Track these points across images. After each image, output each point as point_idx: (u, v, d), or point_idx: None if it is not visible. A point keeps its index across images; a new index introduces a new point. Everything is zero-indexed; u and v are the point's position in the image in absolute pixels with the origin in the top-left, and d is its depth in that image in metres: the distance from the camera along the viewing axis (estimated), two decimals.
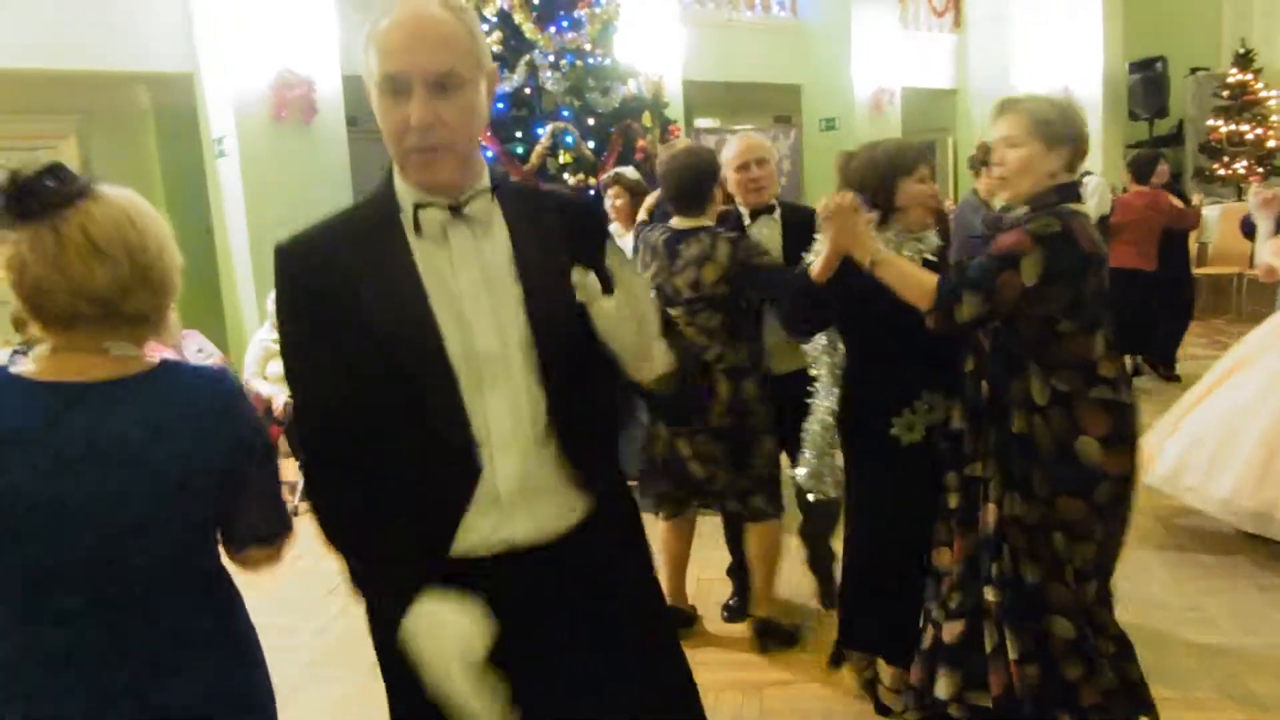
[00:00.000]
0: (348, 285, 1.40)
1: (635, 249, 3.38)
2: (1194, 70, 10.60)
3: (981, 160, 5.84)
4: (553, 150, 6.11)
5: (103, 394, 1.36)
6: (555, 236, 1.49)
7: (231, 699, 1.48)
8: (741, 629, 3.58)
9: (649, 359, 1.48)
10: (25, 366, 1.38)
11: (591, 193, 6.06)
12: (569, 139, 6.09)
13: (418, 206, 1.42)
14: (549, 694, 1.47)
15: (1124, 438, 2.31)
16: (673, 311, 3.10)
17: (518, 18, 6.18)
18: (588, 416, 1.51)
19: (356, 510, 1.45)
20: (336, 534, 1.47)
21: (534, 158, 6.10)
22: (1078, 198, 2.39)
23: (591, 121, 6.28)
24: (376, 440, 1.44)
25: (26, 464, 1.31)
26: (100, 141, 7.27)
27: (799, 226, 3.14)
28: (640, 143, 6.40)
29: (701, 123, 11.48)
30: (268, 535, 1.53)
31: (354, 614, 3.84)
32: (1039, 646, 2.35)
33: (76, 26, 5.92)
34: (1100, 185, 6.54)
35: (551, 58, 6.20)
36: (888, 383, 2.60)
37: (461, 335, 1.41)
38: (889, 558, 2.66)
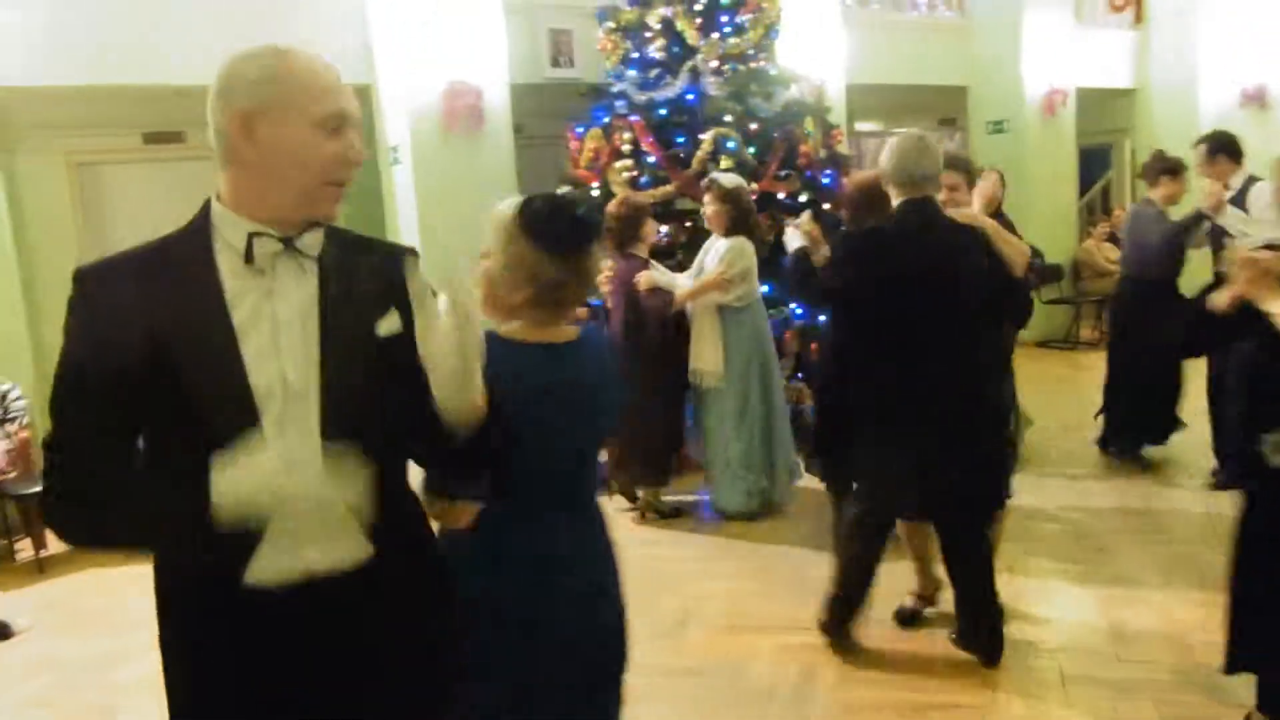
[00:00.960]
0: (147, 314, 1.38)
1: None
2: None
3: (1163, 169, 5.47)
4: (714, 156, 6.11)
5: (573, 350, 1.90)
6: (367, 277, 1.51)
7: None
8: (903, 644, 3.49)
9: (465, 395, 1.44)
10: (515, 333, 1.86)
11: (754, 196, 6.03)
12: (730, 144, 6.07)
13: (252, 235, 1.43)
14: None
15: None
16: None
17: (680, 25, 6.22)
18: (377, 451, 1.47)
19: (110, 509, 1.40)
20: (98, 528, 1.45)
21: (695, 163, 6.11)
22: None
23: (754, 127, 6.25)
24: (146, 470, 1.43)
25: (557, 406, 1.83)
26: None
27: None
28: (803, 148, 6.33)
29: (863, 126, 11.26)
30: None
31: None
32: None
33: (263, 42, 6.28)
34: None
35: (714, 63, 6.20)
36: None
37: (277, 365, 1.41)
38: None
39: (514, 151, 7.05)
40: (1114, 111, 11.18)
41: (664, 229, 6.30)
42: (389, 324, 1.49)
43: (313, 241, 1.48)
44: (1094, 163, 11.72)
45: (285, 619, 1.43)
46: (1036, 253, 4.51)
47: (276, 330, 1.42)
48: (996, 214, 4.29)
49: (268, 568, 1.41)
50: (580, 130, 6.59)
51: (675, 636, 3.70)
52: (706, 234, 6.50)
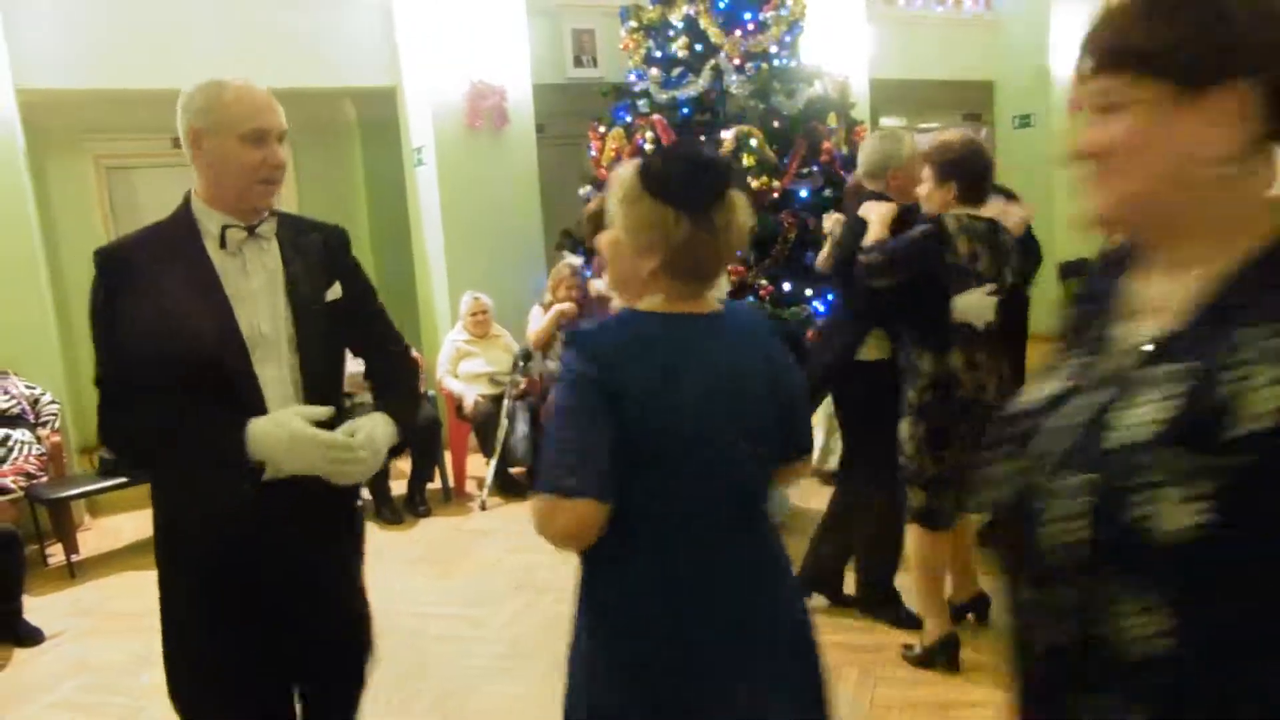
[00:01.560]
0: (157, 283, 1.87)
1: (933, 238, 3.14)
2: None
3: None
4: (736, 153, 6.09)
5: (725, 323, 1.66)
6: (314, 252, 2.04)
7: None
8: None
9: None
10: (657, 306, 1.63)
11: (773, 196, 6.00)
12: (753, 142, 6.06)
13: (225, 227, 1.93)
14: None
15: None
16: (993, 302, 3.12)
17: (703, 23, 6.20)
18: (333, 385, 2.07)
19: (163, 425, 1.88)
20: (147, 445, 1.95)
21: None
22: None
23: (776, 124, 6.23)
24: (174, 399, 1.86)
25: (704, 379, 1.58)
26: (311, 153, 7.78)
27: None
28: (825, 145, 6.30)
29: (887, 122, 11.19)
30: None
31: (540, 608, 3.96)
32: None
33: (287, 45, 6.34)
34: None
35: (736, 61, 6.18)
36: None
37: (250, 320, 1.93)
38: None
39: (537, 151, 7.07)
40: None
41: None
42: (333, 292, 2.05)
43: (268, 228, 1.98)
44: None
45: (258, 515, 1.88)
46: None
47: (253, 296, 1.95)
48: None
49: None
50: (603, 129, 6.60)
51: None
52: None
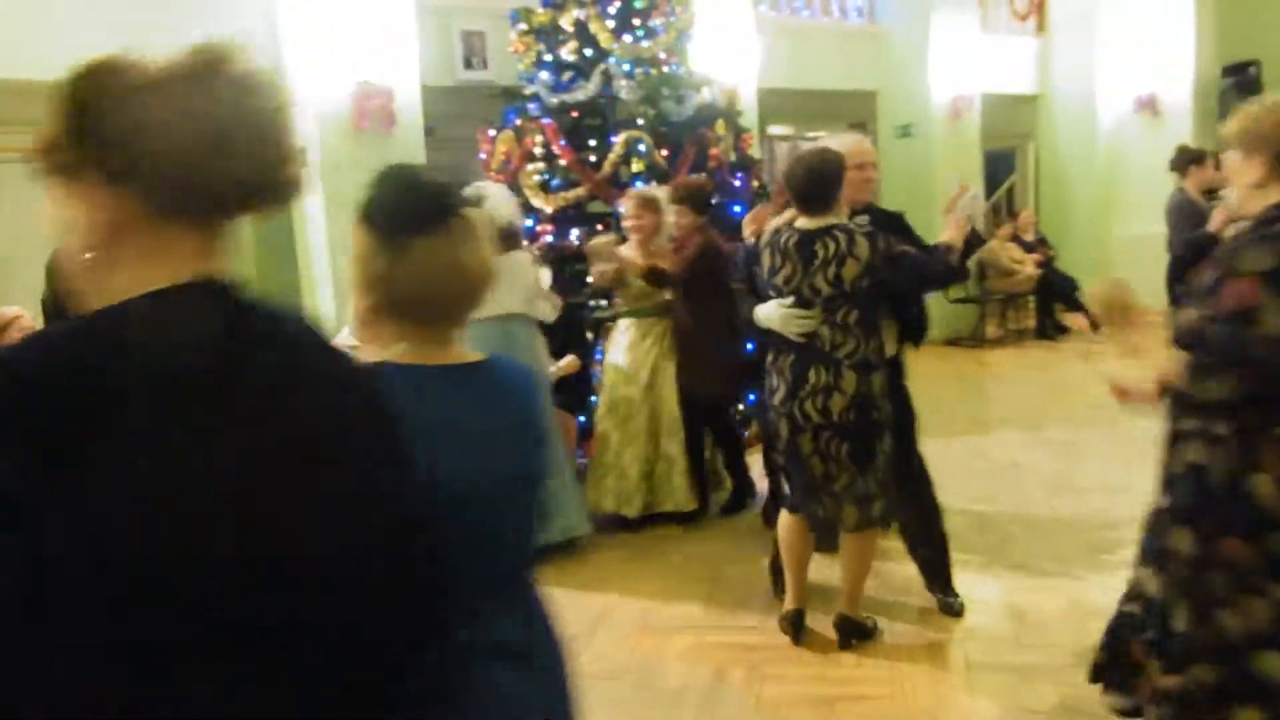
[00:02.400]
0: None
1: (751, 257, 3.52)
2: None
3: (1189, 160, 6.00)
4: (626, 159, 6.12)
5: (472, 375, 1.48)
6: None
7: None
8: (810, 640, 3.53)
9: None
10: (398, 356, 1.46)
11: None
12: (642, 147, 6.09)
13: None
14: None
15: None
16: (808, 313, 3.21)
17: (593, 27, 6.22)
18: None
19: None
20: None
21: (607, 166, 6.12)
22: None
23: (665, 130, 6.28)
24: None
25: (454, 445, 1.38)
26: None
27: (887, 229, 3.37)
28: (713, 151, 6.38)
29: (775, 130, 11.41)
30: None
31: None
32: None
33: (165, 42, 6.10)
34: None
35: (626, 66, 6.22)
36: None
37: None
38: None
39: (426, 154, 6.97)
40: (1018, 117, 11.53)
41: (575, 232, 6.30)
42: None
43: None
44: (999, 166, 12.06)
45: None
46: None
47: None
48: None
49: None
50: (493, 133, 6.55)
51: (586, 640, 3.69)
52: (621, 240, 6.51)
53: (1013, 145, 12.07)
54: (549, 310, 4.74)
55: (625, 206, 5.01)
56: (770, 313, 3.28)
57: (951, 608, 3.67)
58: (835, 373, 3.19)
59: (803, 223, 3.26)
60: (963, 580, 3.84)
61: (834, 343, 3.20)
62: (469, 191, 1.48)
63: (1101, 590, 3.47)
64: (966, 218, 3.38)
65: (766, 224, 3.65)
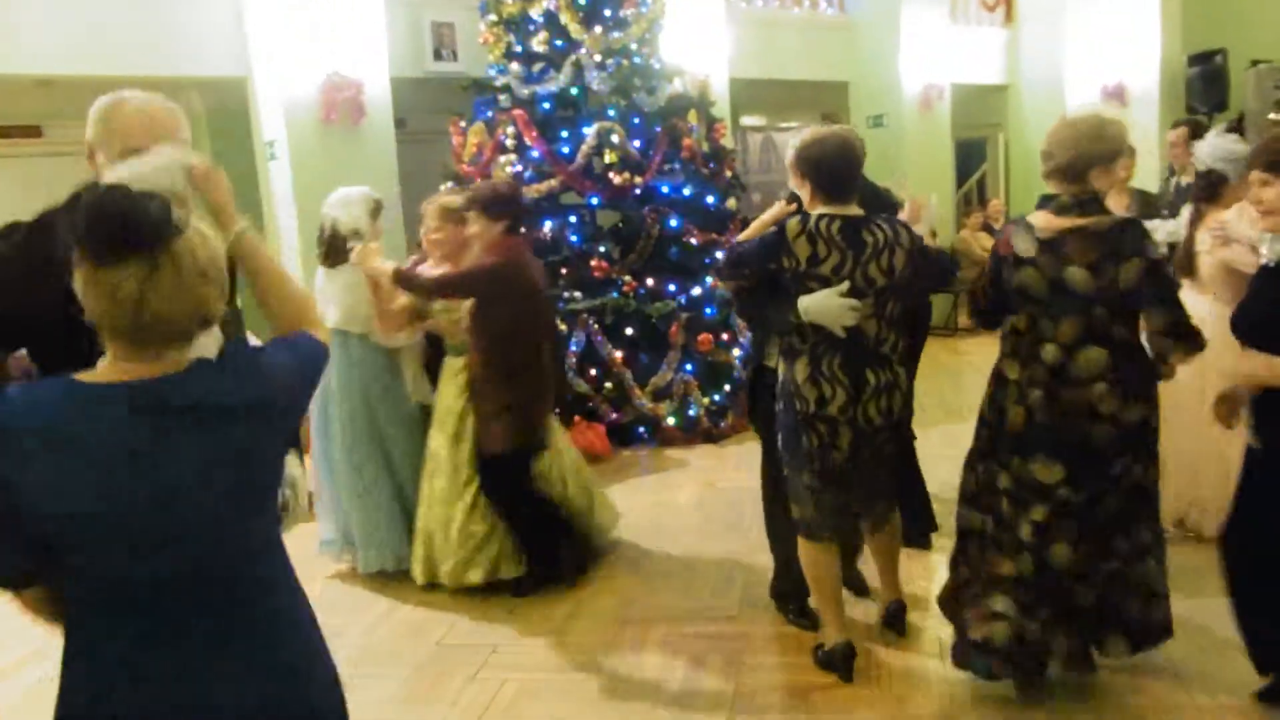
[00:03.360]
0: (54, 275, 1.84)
1: (768, 252, 3.01)
2: (1255, 63, 10.30)
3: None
4: (598, 149, 6.11)
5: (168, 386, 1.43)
6: None
7: None
8: (786, 630, 3.54)
9: None
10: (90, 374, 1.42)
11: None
12: (614, 138, 6.08)
13: None
14: None
15: None
16: (860, 303, 2.90)
17: (564, 18, 6.19)
18: None
19: None
20: None
21: (580, 157, 6.10)
22: None
23: (637, 121, 6.27)
24: None
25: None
26: None
27: (879, 209, 3.20)
28: (686, 141, 6.38)
29: (747, 120, 11.41)
30: None
31: (400, 615, 3.87)
32: None
33: (130, 33, 6.03)
34: None
35: (598, 57, 6.19)
36: None
37: None
38: None
39: (396, 146, 6.92)
40: (987, 106, 11.59)
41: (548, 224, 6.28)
42: None
43: None
44: (970, 156, 12.13)
45: None
46: None
47: None
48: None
49: None
50: (464, 125, 6.52)
51: (564, 631, 3.69)
52: (595, 231, 6.51)
53: (983, 135, 12.14)
54: (382, 335, 4.13)
55: (424, 218, 4.17)
56: (823, 304, 2.90)
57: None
58: (890, 370, 3.00)
59: (835, 210, 2.96)
60: (938, 564, 3.86)
61: (880, 337, 2.98)
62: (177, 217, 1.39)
63: None
64: (930, 226, 3.32)
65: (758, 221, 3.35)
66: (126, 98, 2.02)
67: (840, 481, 3.10)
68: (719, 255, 3.28)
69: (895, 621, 3.45)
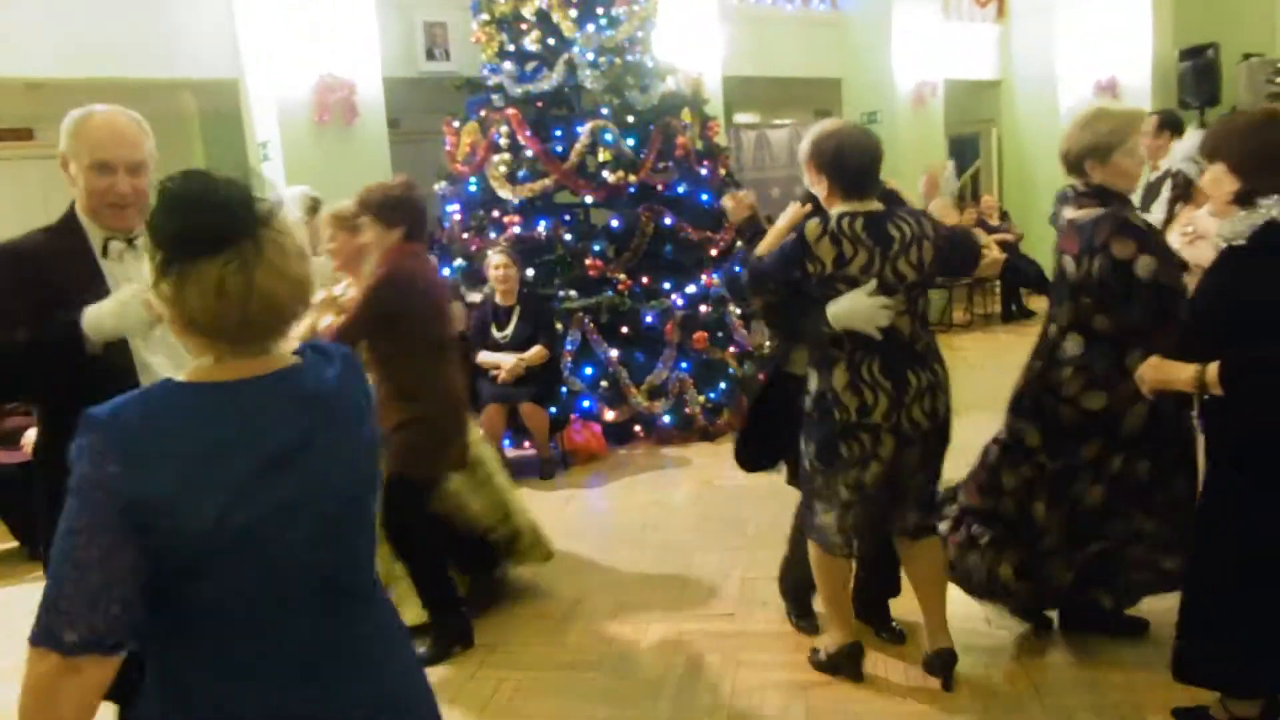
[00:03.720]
0: (48, 279, 2.13)
1: (790, 260, 2.84)
2: (1247, 56, 10.34)
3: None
4: (592, 148, 6.10)
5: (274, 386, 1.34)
6: None
7: None
8: (783, 628, 3.55)
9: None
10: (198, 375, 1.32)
11: (632, 190, 6.05)
12: (608, 137, 6.08)
13: (107, 239, 2.20)
14: None
15: None
16: (891, 300, 2.77)
17: (556, 16, 6.19)
18: None
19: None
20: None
21: (573, 155, 6.10)
22: None
23: (631, 119, 6.27)
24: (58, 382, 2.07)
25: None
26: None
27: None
28: (680, 140, 6.38)
29: (741, 118, 11.41)
30: None
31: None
32: None
33: (122, 35, 6.01)
34: None
35: (590, 55, 6.19)
36: None
37: None
38: None
39: (389, 147, 6.91)
40: (980, 102, 11.62)
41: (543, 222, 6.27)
42: None
43: (143, 238, 1.96)
44: (963, 151, 12.15)
45: None
46: None
47: None
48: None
49: None
50: (457, 124, 6.51)
51: (561, 631, 3.69)
52: (589, 229, 6.51)
53: (976, 130, 12.16)
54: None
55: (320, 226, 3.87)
56: (852, 307, 2.76)
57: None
58: (930, 370, 2.87)
59: (855, 207, 2.82)
60: None
61: (914, 336, 2.86)
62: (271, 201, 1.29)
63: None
64: (950, 196, 3.25)
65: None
66: (95, 111, 2.20)
67: (875, 494, 2.92)
68: (738, 271, 2.82)
69: (941, 672, 3.05)
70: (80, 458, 1.20)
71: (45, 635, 1.15)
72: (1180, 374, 2.39)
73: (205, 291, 1.23)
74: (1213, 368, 2.29)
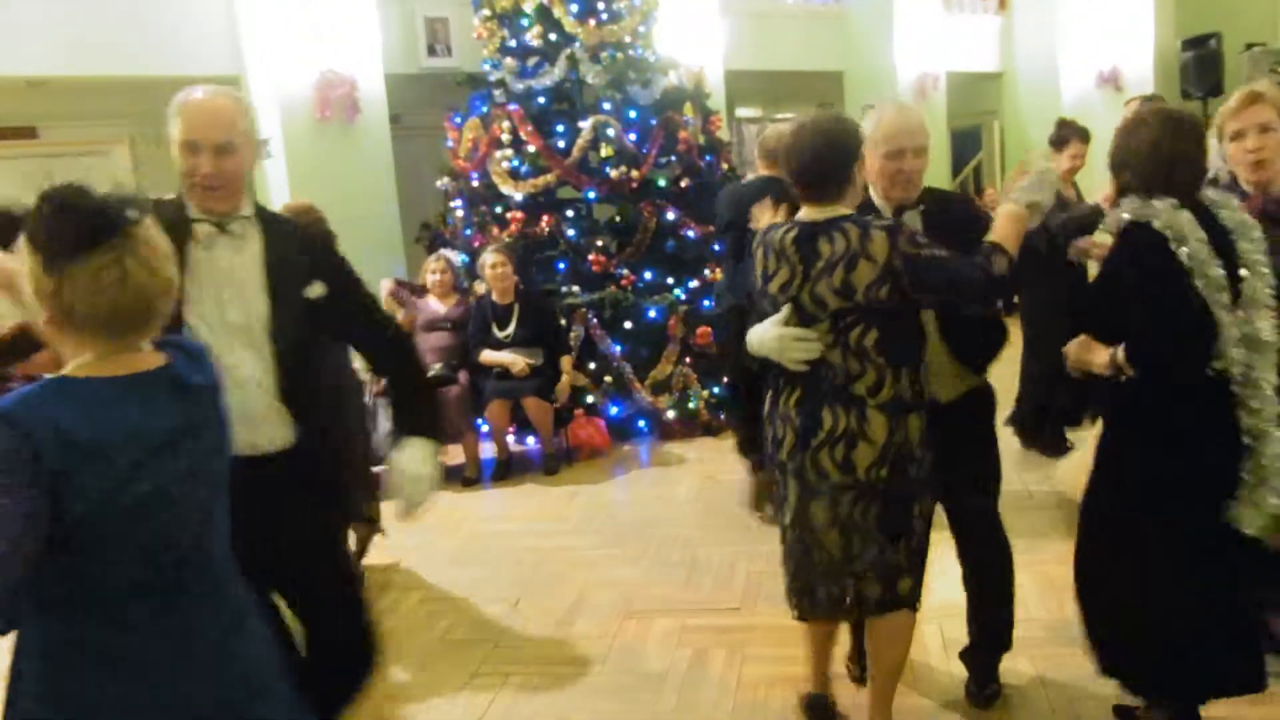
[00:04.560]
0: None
1: (739, 258, 2.62)
2: (1249, 46, 10.31)
3: (1061, 138, 5.37)
4: (594, 143, 6.10)
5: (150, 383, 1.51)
6: (295, 251, 2.25)
7: None
8: (787, 621, 3.55)
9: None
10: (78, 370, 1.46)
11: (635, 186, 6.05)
12: (610, 132, 6.07)
13: (193, 221, 2.15)
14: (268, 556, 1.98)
15: None
16: (814, 331, 2.42)
17: (557, 12, 6.18)
18: (309, 373, 2.25)
19: None
20: None
21: (575, 151, 6.10)
22: None
23: (633, 114, 6.26)
24: None
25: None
26: (150, 146, 7.39)
27: (946, 222, 2.58)
28: (682, 134, 6.37)
29: (743, 112, 11.40)
30: None
31: (403, 610, 3.85)
32: None
33: (125, 34, 6.02)
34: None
35: (591, 51, 6.19)
36: None
37: (218, 309, 2.14)
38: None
39: (391, 143, 6.91)
40: (982, 94, 11.59)
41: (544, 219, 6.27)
42: (315, 289, 2.24)
43: (240, 225, 2.19)
44: (966, 144, 12.13)
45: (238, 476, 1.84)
46: None
47: (219, 287, 2.15)
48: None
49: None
50: (459, 120, 6.51)
51: (567, 625, 3.70)
52: (592, 225, 6.51)
53: (978, 123, 12.14)
54: None
55: None
56: (763, 336, 2.47)
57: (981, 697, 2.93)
58: (859, 415, 2.39)
59: (806, 213, 2.48)
60: (939, 559, 3.87)
61: (850, 373, 2.40)
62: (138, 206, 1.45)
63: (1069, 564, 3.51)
64: (1030, 202, 2.47)
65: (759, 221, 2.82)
66: (194, 91, 2.16)
67: (804, 544, 2.54)
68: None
69: None
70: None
71: None
72: (1097, 356, 2.42)
73: (84, 284, 1.39)
74: (1120, 351, 2.34)
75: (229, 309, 2.15)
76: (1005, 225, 2.42)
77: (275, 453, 2.18)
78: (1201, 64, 10.06)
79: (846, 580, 2.53)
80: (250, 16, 6.38)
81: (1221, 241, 2.32)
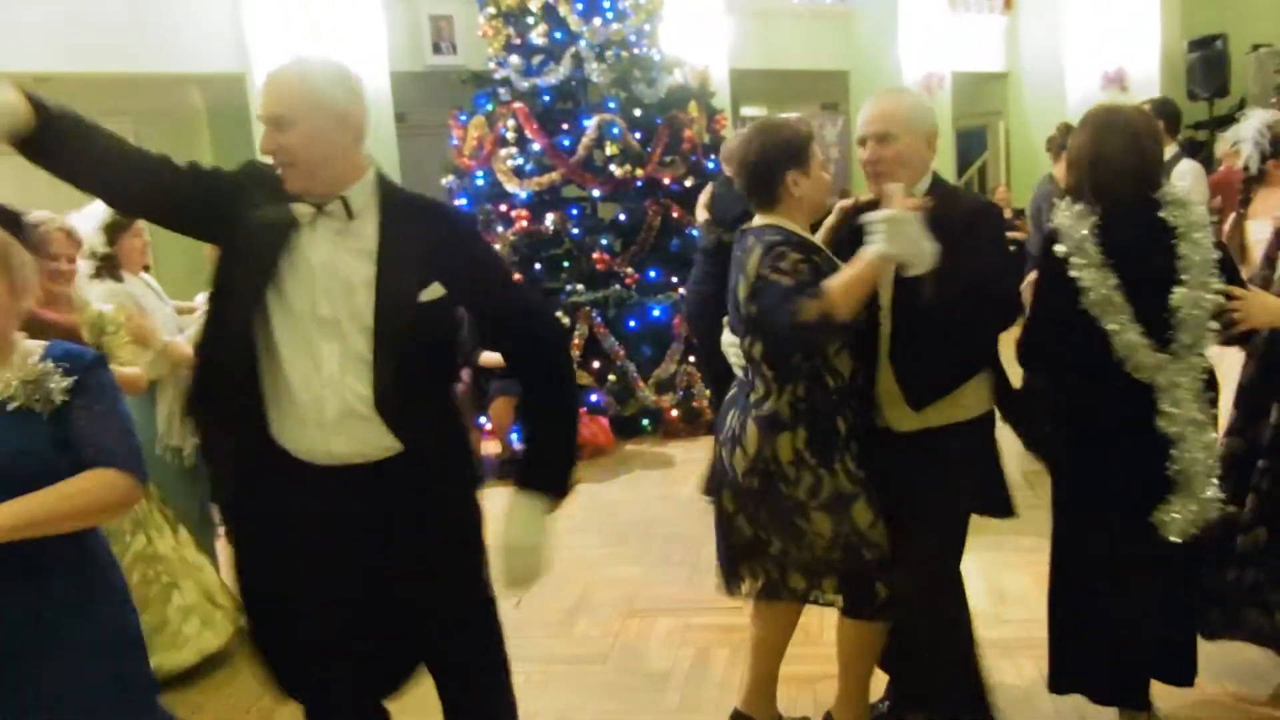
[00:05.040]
0: (245, 216, 1.90)
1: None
2: (1256, 47, 10.28)
3: (1061, 144, 5.32)
4: (599, 142, 6.10)
5: None
6: (419, 247, 1.90)
7: None
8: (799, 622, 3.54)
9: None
10: None
11: (639, 183, 6.04)
12: (615, 130, 6.07)
13: (291, 200, 1.89)
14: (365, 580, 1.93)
15: None
16: (733, 338, 2.54)
17: (562, 10, 6.18)
18: (408, 380, 1.88)
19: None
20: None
21: (580, 149, 6.10)
22: None
23: (638, 112, 6.26)
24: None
25: None
26: (155, 142, 7.37)
27: (944, 221, 2.23)
28: (687, 133, 6.37)
29: (748, 111, 11.39)
30: None
31: None
32: None
33: (129, 30, 6.02)
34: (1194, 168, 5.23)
35: (597, 49, 6.19)
36: None
37: (310, 298, 1.87)
38: None
39: (396, 141, 6.92)
40: (987, 94, 11.57)
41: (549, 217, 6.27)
42: (430, 292, 1.90)
43: (336, 208, 1.88)
44: (971, 144, 12.12)
45: (321, 490, 1.89)
46: None
47: (311, 274, 1.87)
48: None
49: (303, 448, 1.89)
50: (464, 118, 6.51)
51: (570, 623, 3.70)
52: (596, 223, 6.50)
53: (983, 123, 12.12)
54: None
55: None
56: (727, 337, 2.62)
57: None
58: (742, 422, 2.42)
59: (756, 221, 2.45)
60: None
61: (751, 381, 2.45)
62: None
63: None
64: (884, 255, 2.13)
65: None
66: (283, 63, 1.94)
67: (721, 526, 2.61)
68: None
69: None
70: None
71: None
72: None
73: None
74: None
75: (320, 301, 1.86)
76: (851, 270, 2.17)
77: (367, 464, 1.89)
78: (1207, 65, 10.03)
79: (768, 563, 2.57)
80: (254, 14, 6.39)
81: (1150, 245, 2.32)
